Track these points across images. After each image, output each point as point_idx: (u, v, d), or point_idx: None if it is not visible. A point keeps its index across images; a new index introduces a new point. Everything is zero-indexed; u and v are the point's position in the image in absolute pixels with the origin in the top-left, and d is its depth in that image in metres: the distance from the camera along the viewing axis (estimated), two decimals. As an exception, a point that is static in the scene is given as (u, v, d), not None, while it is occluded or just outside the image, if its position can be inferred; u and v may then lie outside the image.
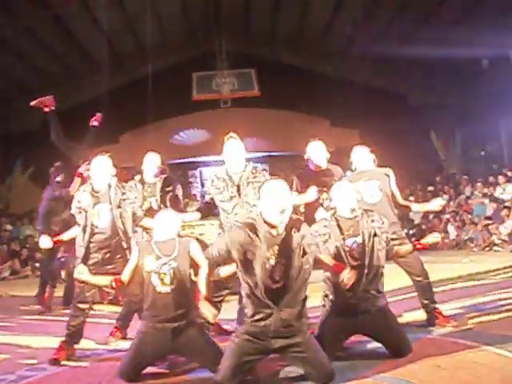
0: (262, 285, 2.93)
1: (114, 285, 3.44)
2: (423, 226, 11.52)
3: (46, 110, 5.87)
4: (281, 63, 14.34)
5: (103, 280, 3.55)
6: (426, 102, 13.84)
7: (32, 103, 5.89)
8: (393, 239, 3.74)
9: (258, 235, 2.99)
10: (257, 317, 2.96)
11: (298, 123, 14.23)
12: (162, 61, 14.10)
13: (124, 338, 4.39)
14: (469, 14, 10.82)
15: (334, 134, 13.21)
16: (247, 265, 2.98)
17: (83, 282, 3.69)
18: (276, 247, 2.97)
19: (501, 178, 11.46)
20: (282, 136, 14.29)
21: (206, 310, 3.14)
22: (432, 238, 3.71)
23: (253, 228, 3.02)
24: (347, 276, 3.18)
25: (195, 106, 14.39)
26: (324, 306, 3.57)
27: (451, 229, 11.13)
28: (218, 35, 14.03)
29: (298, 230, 3.05)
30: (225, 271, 3.25)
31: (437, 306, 4.15)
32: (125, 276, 3.47)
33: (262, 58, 14.38)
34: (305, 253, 3.00)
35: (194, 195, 14.06)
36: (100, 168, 4.08)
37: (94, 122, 6.34)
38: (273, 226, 2.99)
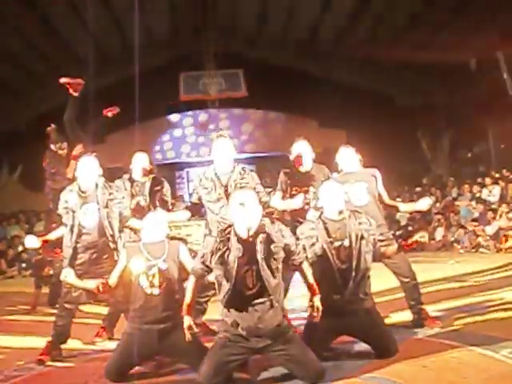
0: (237, 292, 2.96)
1: (100, 288, 3.41)
2: (409, 228, 11.48)
3: (71, 91, 5.78)
4: (268, 64, 14.29)
5: (90, 284, 3.52)
6: (413, 103, 13.88)
7: (62, 80, 5.79)
8: (380, 240, 3.73)
9: (230, 244, 3.02)
10: (238, 318, 2.99)
11: (286, 124, 14.32)
12: (149, 60, 14.03)
13: (110, 338, 4.37)
14: (456, 14, 10.85)
15: (322, 134, 13.23)
16: (222, 274, 3.01)
17: (70, 285, 3.68)
18: (246, 253, 2.99)
19: (488, 180, 11.49)
20: (269, 137, 14.34)
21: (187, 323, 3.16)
22: (419, 237, 3.71)
23: (227, 236, 3.06)
24: (317, 305, 3.17)
25: (182, 107, 14.37)
26: (311, 306, 3.52)
27: (438, 230, 11.15)
28: (204, 35, 13.95)
29: (268, 237, 3.04)
30: (212, 277, 3.23)
31: (423, 306, 4.15)
32: (112, 279, 3.46)
33: (249, 59, 14.31)
34: (275, 258, 3.01)
35: (181, 196, 14.02)
36: (87, 168, 4.07)
37: (108, 113, 6.17)
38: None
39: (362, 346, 3.54)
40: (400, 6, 11.54)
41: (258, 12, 13.26)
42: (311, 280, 3.25)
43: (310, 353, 3.02)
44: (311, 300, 3.27)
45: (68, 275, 3.53)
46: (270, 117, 14.63)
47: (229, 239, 3.04)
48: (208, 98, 14.30)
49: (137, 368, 3.39)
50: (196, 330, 3.22)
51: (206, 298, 4.20)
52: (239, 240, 3.01)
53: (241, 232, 3.01)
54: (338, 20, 12.58)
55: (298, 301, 4.81)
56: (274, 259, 3.01)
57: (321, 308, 3.17)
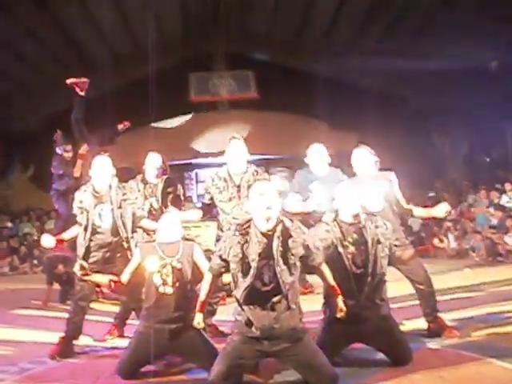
0: (254, 287, 2.93)
1: (112, 285, 3.47)
2: (422, 234, 11.24)
3: (78, 91, 5.89)
4: (279, 65, 14.23)
5: (102, 278, 3.58)
6: (427, 105, 13.62)
7: (68, 81, 5.91)
8: (396, 246, 3.62)
9: (248, 237, 2.99)
10: (252, 319, 2.94)
11: (297, 126, 14.22)
12: (160, 61, 14.09)
13: (121, 335, 4.43)
14: (474, 15, 10.66)
15: (333, 136, 13.10)
16: (240, 268, 2.97)
17: (82, 278, 3.73)
18: (264, 249, 2.95)
19: (507, 186, 10.98)
20: (280, 139, 14.30)
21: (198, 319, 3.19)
22: (437, 241, 3.58)
23: (246, 229, 3.03)
24: (341, 305, 3.14)
25: (193, 108, 14.42)
26: (325, 312, 3.51)
27: (452, 237, 10.78)
28: (215, 36, 13.96)
29: (287, 231, 3.00)
30: (227, 278, 3.22)
31: (440, 315, 4.04)
32: (124, 277, 3.50)
33: (259, 60, 14.34)
34: (293, 254, 2.97)
35: (190, 197, 14.06)
36: (101, 168, 4.12)
37: (120, 126, 6.49)
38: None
39: (375, 353, 3.47)
40: (414, 7, 11.46)
41: (269, 13, 13.28)
42: (332, 281, 3.20)
43: (323, 358, 2.97)
44: (325, 303, 3.26)
45: (82, 268, 3.58)
46: (280, 119, 14.61)
47: (248, 233, 3.00)
48: (218, 99, 14.32)
49: (147, 366, 3.41)
50: (203, 326, 3.24)
51: (216, 299, 4.23)
52: (258, 233, 2.98)
53: (260, 223, 2.97)
54: (350, 21, 12.54)
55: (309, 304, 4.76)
56: (292, 254, 2.96)
57: (344, 309, 3.14)
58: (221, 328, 4.36)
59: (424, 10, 11.47)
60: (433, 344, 3.77)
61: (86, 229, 4.01)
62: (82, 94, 5.89)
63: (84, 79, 5.92)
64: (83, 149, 5.52)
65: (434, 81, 13.23)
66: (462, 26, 10.66)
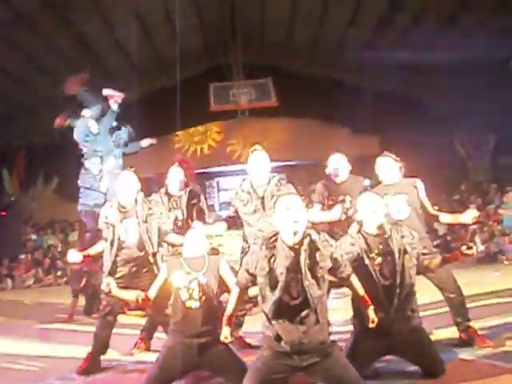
0: (282, 301, 2.89)
1: (140, 300, 3.46)
2: (448, 238, 11.05)
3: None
4: (298, 72, 14.29)
5: (130, 295, 3.57)
6: (450, 107, 13.50)
7: (104, 91, 5.95)
8: (423, 253, 3.55)
9: (275, 251, 2.96)
10: (281, 334, 2.91)
11: (317, 132, 14.21)
12: (180, 73, 14.19)
13: (148, 349, 4.43)
14: (495, 14, 10.48)
15: (353, 142, 13.10)
16: (267, 282, 2.94)
17: (109, 294, 3.74)
18: (292, 262, 2.92)
19: None
20: (300, 145, 14.27)
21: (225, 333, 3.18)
22: (465, 248, 3.34)
23: (273, 243, 3.00)
24: (373, 317, 3.10)
25: (213, 117, 14.48)
26: (354, 324, 3.46)
27: (479, 240, 10.52)
28: (234, 47, 14.05)
29: (314, 245, 2.97)
30: (253, 291, 3.21)
31: (471, 324, 3.93)
32: (151, 292, 3.49)
33: (278, 69, 14.34)
34: (321, 267, 2.93)
35: (211, 205, 14.10)
36: (126, 183, 4.14)
37: (146, 142, 6.46)
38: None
39: (406, 365, 3.39)
40: (434, 8, 11.34)
41: (287, 22, 13.29)
42: (362, 292, 3.16)
43: (353, 372, 2.92)
44: (355, 315, 3.21)
45: (109, 284, 3.59)
46: (300, 125, 14.59)
47: (274, 246, 2.98)
48: (238, 107, 14.37)
49: (175, 382, 3.39)
50: (230, 340, 3.21)
51: (243, 312, 4.21)
52: (285, 247, 2.95)
53: (287, 237, 2.95)
54: (368, 25, 12.47)
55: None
56: (320, 268, 2.93)
57: (376, 320, 3.10)
58: (248, 340, 4.33)
59: (443, 11, 11.35)
60: (465, 354, 3.65)
61: (112, 244, 4.02)
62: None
63: (120, 93, 5.95)
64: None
65: (455, 82, 13.04)
66: (484, 26, 10.56)
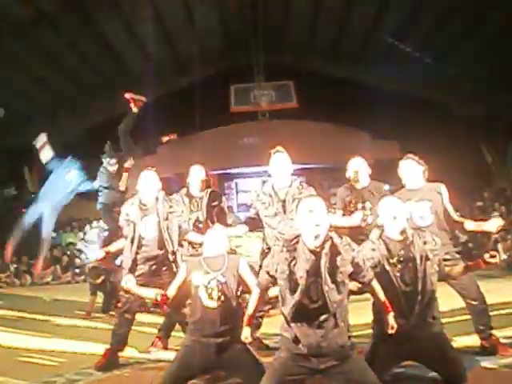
0: (301, 304, 2.87)
1: (159, 298, 3.46)
2: (470, 245, 10.77)
3: (132, 106, 5.98)
4: (319, 74, 14.22)
5: (149, 292, 3.57)
6: (474, 112, 13.27)
7: (126, 95, 6.01)
8: (445, 260, 3.50)
9: (296, 254, 2.93)
10: (299, 337, 2.89)
11: (337, 135, 14.11)
12: (200, 73, 14.25)
13: (165, 348, 4.43)
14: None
15: (374, 146, 12.99)
16: (287, 285, 2.92)
17: (129, 292, 3.75)
18: (312, 266, 2.89)
19: None
20: (320, 148, 14.19)
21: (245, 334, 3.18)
22: (489, 256, 3.24)
23: (294, 245, 2.97)
24: (392, 323, 3.07)
25: (233, 118, 14.49)
26: (373, 328, 3.42)
27: (500, 248, 10.29)
28: (255, 47, 14.03)
29: (335, 249, 2.94)
30: (273, 292, 3.20)
31: (493, 332, 3.87)
32: (171, 291, 3.49)
33: (299, 70, 14.32)
34: (341, 272, 2.90)
35: (230, 207, 14.09)
36: (147, 182, 4.18)
37: (166, 138, 6.57)
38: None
39: (426, 370, 3.34)
40: (455, 13, 11.24)
41: (309, 23, 13.27)
42: (383, 297, 3.12)
43: (372, 376, 2.89)
44: (375, 320, 3.17)
45: (128, 282, 3.62)
46: (321, 128, 14.51)
47: (295, 249, 2.95)
48: (259, 109, 14.37)
49: (192, 381, 3.40)
50: (250, 340, 3.21)
51: (262, 313, 4.18)
52: (306, 250, 2.92)
53: (308, 241, 2.92)
54: (390, 29, 12.41)
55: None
56: (340, 272, 2.90)
57: (395, 326, 3.06)
58: (265, 341, 4.32)
59: (465, 15, 11.25)
60: (487, 363, 3.59)
61: (132, 241, 4.04)
62: (136, 110, 5.98)
63: (142, 98, 6.01)
64: (129, 163, 5.59)
65: (477, 85, 12.90)
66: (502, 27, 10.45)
